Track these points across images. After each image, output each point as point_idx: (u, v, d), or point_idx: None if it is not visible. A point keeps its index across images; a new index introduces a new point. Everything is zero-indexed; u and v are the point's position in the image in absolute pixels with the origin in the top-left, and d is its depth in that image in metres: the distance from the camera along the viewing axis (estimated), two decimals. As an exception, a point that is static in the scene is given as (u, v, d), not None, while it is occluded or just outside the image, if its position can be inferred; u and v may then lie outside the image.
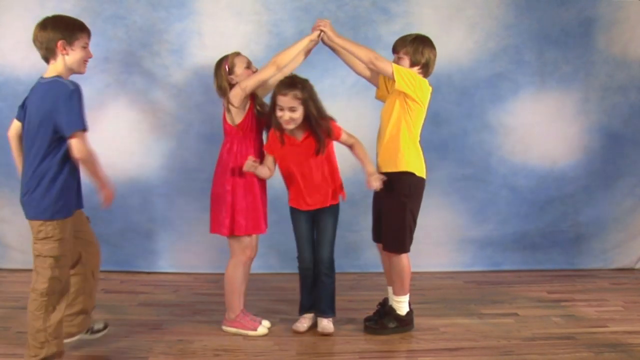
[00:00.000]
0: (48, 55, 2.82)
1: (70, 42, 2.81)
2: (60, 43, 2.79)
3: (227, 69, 3.37)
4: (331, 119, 3.40)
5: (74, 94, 2.73)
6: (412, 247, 3.48)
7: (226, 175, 3.37)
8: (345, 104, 4.37)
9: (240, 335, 3.44)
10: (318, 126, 3.31)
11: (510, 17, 4.41)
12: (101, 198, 2.92)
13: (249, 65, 3.40)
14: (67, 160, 2.82)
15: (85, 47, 2.88)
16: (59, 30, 2.80)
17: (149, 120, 4.32)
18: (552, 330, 3.56)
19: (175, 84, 4.27)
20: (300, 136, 3.35)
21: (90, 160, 2.81)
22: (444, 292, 4.20)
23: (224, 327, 3.49)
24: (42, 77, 2.85)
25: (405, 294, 3.50)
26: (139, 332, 3.43)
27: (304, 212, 3.46)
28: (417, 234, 3.49)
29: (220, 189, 3.39)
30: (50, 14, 4.09)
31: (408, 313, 3.52)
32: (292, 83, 3.27)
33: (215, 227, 3.43)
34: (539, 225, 4.64)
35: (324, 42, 3.44)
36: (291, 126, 3.29)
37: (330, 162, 3.44)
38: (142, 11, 4.19)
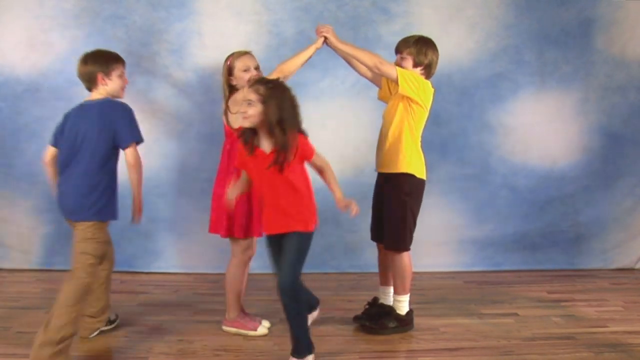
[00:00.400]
0: (91, 86, 3.19)
1: (107, 73, 3.17)
2: (99, 76, 3.15)
3: (228, 69, 3.36)
4: (301, 135, 2.98)
5: (129, 111, 3.14)
6: (412, 247, 3.47)
7: (226, 177, 3.36)
8: (345, 104, 4.38)
9: (240, 335, 3.44)
10: (273, 134, 2.90)
11: (510, 17, 4.41)
12: (134, 210, 3.22)
13: (247, 69, 3.35)
14: (116, 170, 3.18)
15: (121, 76, 3.23)
16: (97, 65, 3.16)
17: (149, 120, 4.30)
18: (552, 330, 3.56)
19: (175, 84, 4.27)
20: (267, 148, 2.95)
21: (140, 170, 3.17)
22: (444, 292, 4.20)
23: (224, 327, 3.49)
24: (87, 100, 3.18)
25: (406, 294, 3.50)
26: (139, 332, 3.43)
27: (273, 238, 3.07)
28: (417, 234, 3.49)
29: (221, 190, 3.38)
30: (49, 13, 4.14)
31: (408, 313, 3.52)
32: (264, 80, 3.00)
33: (214, 227, 3.43)
34: (539, 225, 4.64)
35: (327, 45, 3.43)
36: (245, 123, 2.94)
37: (300, 184, 3.00)
38: (142, 11, 4.19)
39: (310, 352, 3.04)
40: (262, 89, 2.91)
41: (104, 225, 3.15)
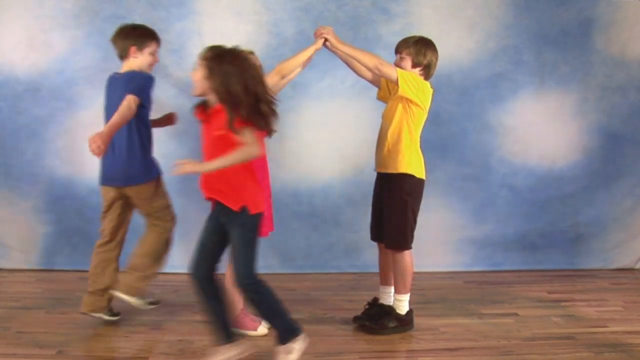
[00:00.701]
0: (122, 56, 3.38)
1: (140, 48, 3.34)
2: (132, 48, 3.33)
3: None
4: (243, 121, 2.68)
5: (150, 78, 3.30)
6: (412, 247, 3.47)
7: None
8: (345, 104, 4.38)
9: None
10: (224, 102, 2.69)
11: (510, 17, 4.42)
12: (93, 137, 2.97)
13: None
14: (144, 130, 3.37)
15: (152, 54, 3.40)
16: (132, 38, 3.35)
17: (148, 120, 4.32)
18: (552, 330, 3.56)
19: (175, 84, 4.27)
20: (209, 111, 2.79)
21: (125, 114, 3.15)
22: (444, 292, 4.20)
23: (224, 327, 3.48)
24: (116, 73, 3.39)
25: (406, 293, 3.50)
26: (139, 332, 3.43)
27: (214, 211, 2.94)
28: (417, 233, 3.49)
29: None
30: (49, 13, 4.14)
31: (408, 312, 3.52)
32: (213, 46, 2.74)
33: None
34: (539, 225, 4.64)
35: (327, 48, 3.43)
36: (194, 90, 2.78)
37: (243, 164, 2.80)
38: (142, 11, 4.19)
39: (294, 335, 2.94)
40: (207, 53, 2.71)
41: (159, 181, 3.47)
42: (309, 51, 3.38)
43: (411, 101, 3.31)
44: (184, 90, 4.27)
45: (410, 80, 3.29)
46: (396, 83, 3.28)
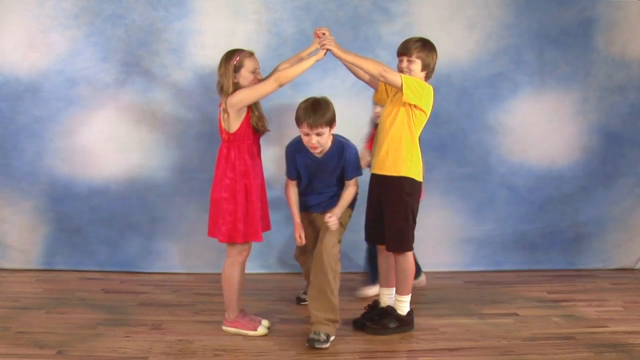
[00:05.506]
0: None
1: None
2: None
3: (235, 66, 3.30)
4: None
5: None
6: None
7: (223, 181, 3.34)
8: (345, 104, 4.35)
9: (240, 335, 3.43)
10: None
11: (510, 17, 4.41)
12: None
13: (255, 71, 3.32)
14: None
15: None
16: None
17: (148, 120, 4.31)
18: (552, 330, 3.56)
19: (174, 84, 4.27)
20: None
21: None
22: (444, 292, 4.19)
23: (224, 327, 3.49)
24: None
25: (408, 294, 3.50)
26: (139, 332, 3.43)
27: None
28: (417, 234, 3.49)
29: (218, 195, 3.36)
30: (49, 13, 4.14)
31: (409, 313, 3.52)
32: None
33: (212, 232, 3.42)
34: (538, 225, 4.64)
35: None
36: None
37: None
38: (141, 10, 4.19)
39: None
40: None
41: None
42: (310, 62, 3.32)
43: (415, 106, 3.31)
44: (184, 89, 4.28)
45: (414, 87, 3.28)
46: (400, 89, 3.27)
